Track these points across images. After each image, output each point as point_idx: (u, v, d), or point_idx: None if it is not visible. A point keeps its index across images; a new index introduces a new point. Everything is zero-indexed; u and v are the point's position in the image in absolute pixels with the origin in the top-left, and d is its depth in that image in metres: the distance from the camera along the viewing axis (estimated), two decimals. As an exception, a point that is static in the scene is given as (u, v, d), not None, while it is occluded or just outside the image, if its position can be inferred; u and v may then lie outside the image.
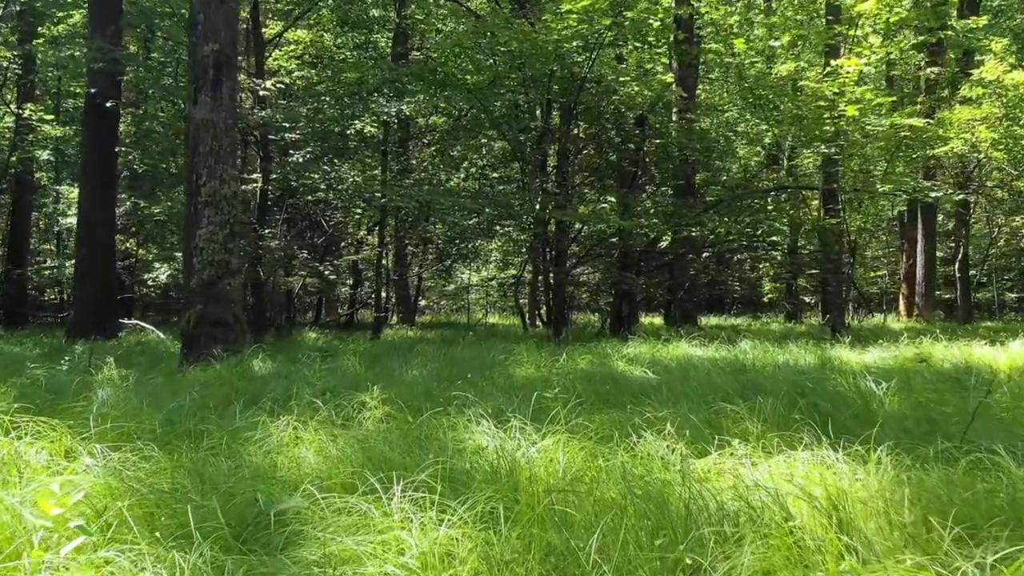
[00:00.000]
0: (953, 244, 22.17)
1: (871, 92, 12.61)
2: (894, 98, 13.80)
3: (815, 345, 11.59)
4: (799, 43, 19.66)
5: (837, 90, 12.41)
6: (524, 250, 21.04)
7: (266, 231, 15.94)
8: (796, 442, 5.40)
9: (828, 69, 12.49)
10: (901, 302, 22.16)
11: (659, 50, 14.60)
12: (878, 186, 12.75)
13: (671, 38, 14.26)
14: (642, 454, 4.98)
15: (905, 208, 22.89)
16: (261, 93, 14.30)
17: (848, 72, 12.21)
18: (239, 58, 18.03)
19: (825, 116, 12.77)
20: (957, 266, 20.84)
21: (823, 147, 12.58)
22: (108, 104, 14.17)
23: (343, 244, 22.35)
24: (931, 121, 12.36)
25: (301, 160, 14.56)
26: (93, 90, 14.36)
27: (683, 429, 5.50)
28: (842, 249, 14.01)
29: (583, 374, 8.50)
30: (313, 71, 17.14)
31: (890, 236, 25.69)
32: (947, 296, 24.16)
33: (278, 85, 14.42)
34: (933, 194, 12.95)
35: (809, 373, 8.63)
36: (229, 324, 9.47)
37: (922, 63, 19.63)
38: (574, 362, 9.48)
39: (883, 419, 6.43)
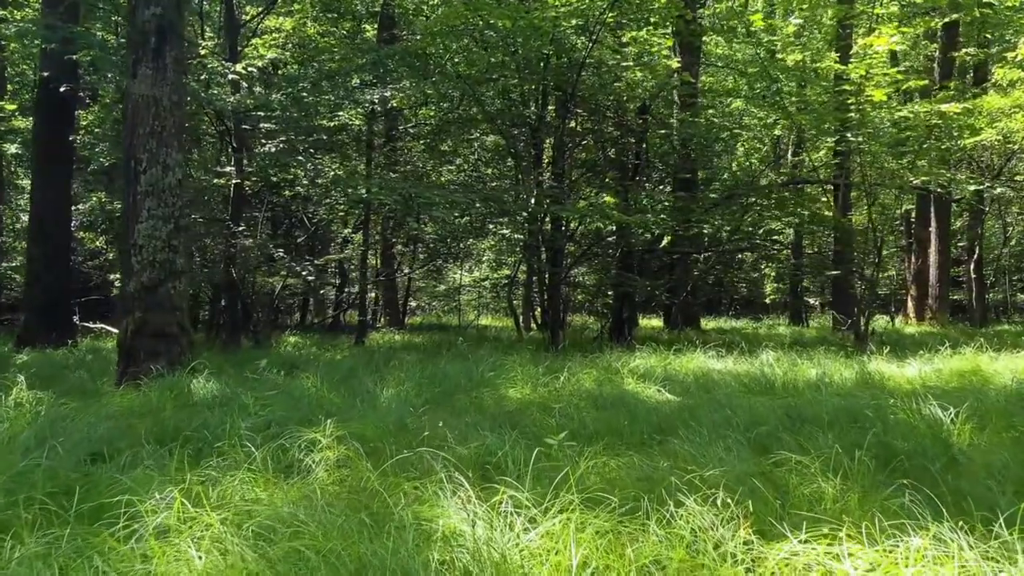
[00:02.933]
0: (965, 244, 20.65)
1: (901, 75, 11.08)
2: (926, 82, 12.27)
3: (845, 356, 10.03)
4: (805, 32, 18.11)
5: (864, 72, 10.85)
6: (518, 249, 19.46)
7: (240, 228, 14.29)
8: (890, 506, 3.86)
9: (855, 49, 10.93)
10: (910, 304, 20.65)
11: (664, 31, 13.00)
12: (911, 178, 11.23)
13: (675, 18, 12.64)
14: (684, 533, 3.43)
15: (913, 206, 21.40)
16: (230, 76, 12.68)
17: (877, 52, 10.66)
18: (213, 42, 16.41)
19: (850, 101, 11.21)
20: (972, 266, 19.30)
21: (849, 135, 11.03)
22: (62, 89, 12.54)
23: (332, 244, 20.73)
24: (968, 107, 10.83)
25: (273, 150, 12.91)
26: (46, 73, 12.74)
27: (733, 487, 3.94)
28: (868, 248, 12.47)
29: (589, 396, 6.93)
30: (287, 53, 15.45)
31: (896, 236, 24.14)
32: (954, 297, 22.68)
33: (249, 69, 12.78)
34: (972, 187, 11.45)
35: (855, 395, 7.08)
36: (173, 335, 7.87)
37: (935, 52, 18.16)
38: (577, 379, 7.90)
39: (982, 467, 4.89)
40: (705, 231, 13.33)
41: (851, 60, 11.07)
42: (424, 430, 5.48)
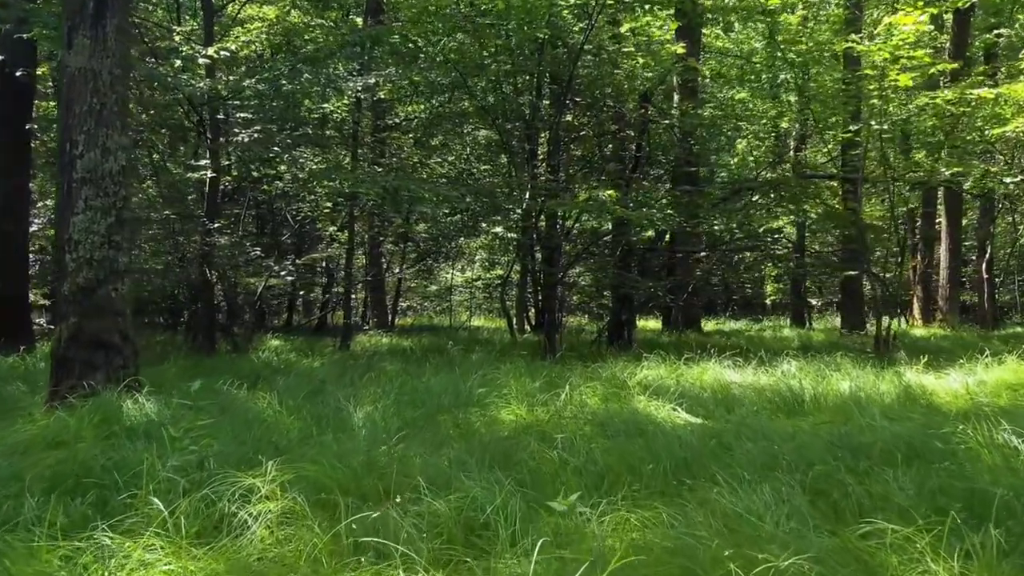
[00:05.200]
0: (972, 242, 19.52)
1: (929, 58, 9.96)
2: (955, 65, 11.16)
3: (874, 366, 8.87)
4: (811, 23, 17.00)
5: (889, 55, 9.72)
6: (511, 248, 18.30)
7: (215, 225, 13.06)
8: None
9: (880, 28, 9.80)
10: (915, 306, 19.53)
11: (668, 12, 11.85)
12: (942, 170, 10.10)
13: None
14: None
15: (917, 205, 20.27)
16: (201, 60, 11.47)
17: (905, 31, 9.53)
18: (189, 28, 15.19)
19: (871, 87, 10.08)
20: (984, 266, 18.18)
21: (873, 123, 9.91)
22: (18, 73, 11.31)
23: (322, 244, 19.50)
24: (1003, 92, 9.73)
25: (247, 139, 11.68)
26: (1, 57, 11.50)
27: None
28: (884, 246, 11.36)
29: (595, 419, 5.76)
30: (265, 37, 14.22)
31: (898, 234, 22.96)
32: (961, 298, 21.57)
33: (223, 53, 11.55)
34: (1007, 180, 10.35)
35: (906, 417, 5.93)
36: (114, 345, 6.67)
37: (945, 44, 17.06)
38: (580, 396, 6.73)
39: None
40: (715, 227, 12.14)
41: (874, 43, 9.91)
42: (396, 469, 4.32)
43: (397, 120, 18.06)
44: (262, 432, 5.14)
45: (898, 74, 9.90)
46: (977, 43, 15.76)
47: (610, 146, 14.83)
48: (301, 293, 18.00)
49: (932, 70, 10.08)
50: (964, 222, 21.50)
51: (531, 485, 4.22)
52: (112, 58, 6.74)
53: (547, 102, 14.54)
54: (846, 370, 8.34)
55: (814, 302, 21.72)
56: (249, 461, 4.31)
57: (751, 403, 6.79)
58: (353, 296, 20.81)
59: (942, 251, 17.68)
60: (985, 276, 18.10)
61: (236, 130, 12.00)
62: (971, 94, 9.66)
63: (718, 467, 4.55)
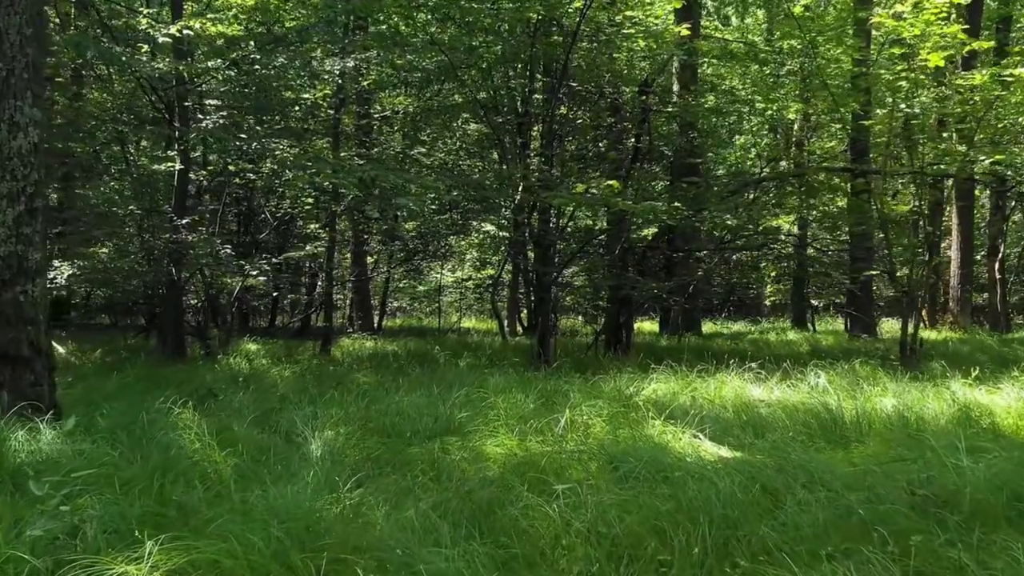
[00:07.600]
0: (983, 240, 18.38)
1: (963, 35, 8.84)
2: (991, 44, 10.03)
3: (912, 377, 7.69)
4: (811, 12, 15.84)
5: (920, 32, 8.56)
6: (503, 247, 17.09)
7: (184, 222, 11.80)
8: None
9: (905, 3, 8.63)
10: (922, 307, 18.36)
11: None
12: (983, 160, 8.96)
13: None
14: None
15: (921, 202, 19.10)
16: (161, 40, 10.21)
17: (937, 2, 8.38)
18: (153, 10, 13.95)
19: (899, 69, 8.92)
20: (997, 265, 17.03)
21: (903, 106, 8.76)
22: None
23: (308, 243, 18.25)
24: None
25: (211, 126, 10.41)
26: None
27: None
28: (921, 244, 10.24)
29: (604, 454, 4.54)
30: (238, 19, 12.95)
31: (925, 231, 21.76)
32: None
33: (186, 32, 10.29)
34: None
35: (979, 446, 4.73)
36: (23, 358, 5.43)
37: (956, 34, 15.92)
38: (582, 417, 5.52)
39: None
40: (727, 222, 10.94)
41: (903, 19, 8.77)
42: (339, 537, 3.10)
43: (383, 112, 16.83)
44: (176, 477, 3.90)
45: (929, 53, 8.73)
46: (986, 33, 14.66)
47: (605, 141, 13.66)
48: (275, 294, 16.72)
49: (966, 49, 8.93)
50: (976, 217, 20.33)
51: (522, 563, 3.01)
52: (21, 15, 5.51)
53: (539, 96, 13.38)
54: (883, 383, 7.16)
55: (815, 303, 20.54)
56: (135, 531, 3.08)
57: (783, 427, 5.61)
58: (339, 296, 19.58)
59: (953, 250, 16.54)
60: (998, 276, 16.97)
61: (200, 116, 10.75)
62: (1012, 74, 8.50)
63: (772, 529, 3.37)
